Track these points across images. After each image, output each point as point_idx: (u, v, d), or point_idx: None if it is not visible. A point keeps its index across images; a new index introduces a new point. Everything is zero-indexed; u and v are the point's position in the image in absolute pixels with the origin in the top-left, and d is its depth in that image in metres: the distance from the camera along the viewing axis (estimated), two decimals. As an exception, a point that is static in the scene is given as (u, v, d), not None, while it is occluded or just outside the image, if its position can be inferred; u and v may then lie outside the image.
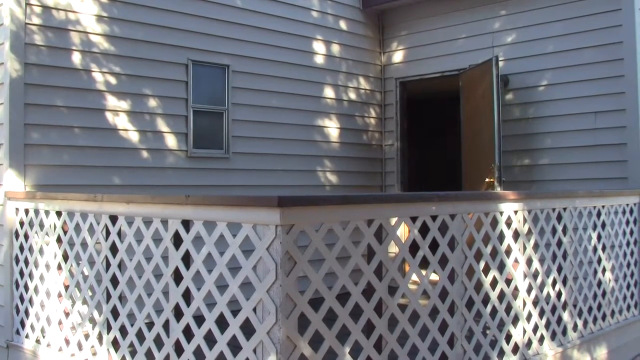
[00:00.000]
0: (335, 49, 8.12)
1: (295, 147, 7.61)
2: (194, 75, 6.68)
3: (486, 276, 4.29)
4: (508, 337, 4.48)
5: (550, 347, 4.82)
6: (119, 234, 4.17)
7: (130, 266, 4.00)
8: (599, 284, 5.53)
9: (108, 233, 4.22)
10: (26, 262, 5.09)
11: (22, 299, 5.13)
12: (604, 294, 5.56)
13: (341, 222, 3.38)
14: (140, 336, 3.96)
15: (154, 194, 4.20)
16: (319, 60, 7.92)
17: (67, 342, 4.64)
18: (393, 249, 3.91)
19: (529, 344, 4.65)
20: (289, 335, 3.06)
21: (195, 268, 3.53)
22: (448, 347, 3.95)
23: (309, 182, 7.73)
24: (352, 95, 8.31)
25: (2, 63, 5.49)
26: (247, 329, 3.19)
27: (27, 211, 5.11)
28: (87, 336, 4.46)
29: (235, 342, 3.27)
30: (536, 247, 4.82)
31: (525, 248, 4.66)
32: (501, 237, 4.48)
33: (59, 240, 4.75)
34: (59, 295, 4.74)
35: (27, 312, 5.07)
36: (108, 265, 4.22)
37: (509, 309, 4.49)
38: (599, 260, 5.55)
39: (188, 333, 3.57)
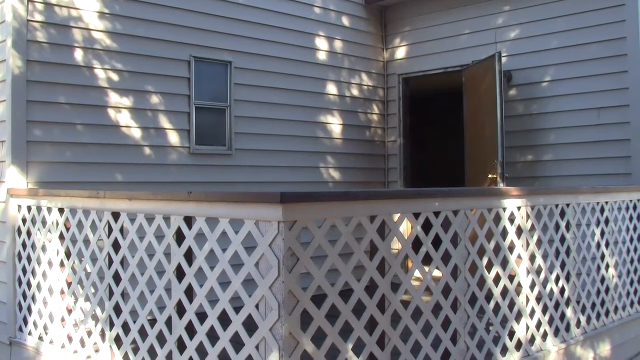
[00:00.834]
0: (338, 45, 8.10)
1: (297, 143, 7.60)
2: (196, 72, 6.68)
3: (489, 272, 4.28)
4: (511, 334, 4.47)
5: (554, 343, 4.81)
6: (122, 230, 4.16)
7: (132, 263, 4.00)
8: (603, 280, 5.52)
9: (110, 230, 4.22)
10: (29, 259, 5.09)
11: (24, 296, 5.13)
12: (607, 290, 5.54)
13: (344, 218, 3.38)
14: (142, 333, 3.96)
15: (157, 191, 4.20)
16: (322, 56, 7.91)
17: (70, 339, 4.64)
18: (396, 245, 3.90)
19: (532, 340, 4.64)
20: (292, 331, 3.05)
21: (197, 265, 3.52)
22: (451, 344, 3.94)
23: (311, 179, 7.72)
24: (355, 92, 8.30)
25: (4, 60, 5.48)
26: (250, 325, 3.19)
27: (29, 208, 5.11)
28: (89, 333, 4.46)
29: (237, 338, 3.27)
30: (539, 243, 4.80)
31: (528, 244, 4.65)
32: (504, 233, 4.46)
33: (61, 237, 4.75)
34: (62, 292, 4.74)
35: (29, 309, 5.07)
36: (110, 262, 4.21)
37: (512, 305, 4.48)
38: (603, 257, 5.53)
39: (190, 330, 3.57)
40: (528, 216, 4.68)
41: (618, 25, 6.60)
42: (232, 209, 3.37)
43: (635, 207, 6.07)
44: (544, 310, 4.77)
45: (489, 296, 4.27)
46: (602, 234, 5.55)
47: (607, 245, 5.58)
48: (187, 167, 6.59)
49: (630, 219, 5.98)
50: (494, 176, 6.87)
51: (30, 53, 5.55)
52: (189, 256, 3.62)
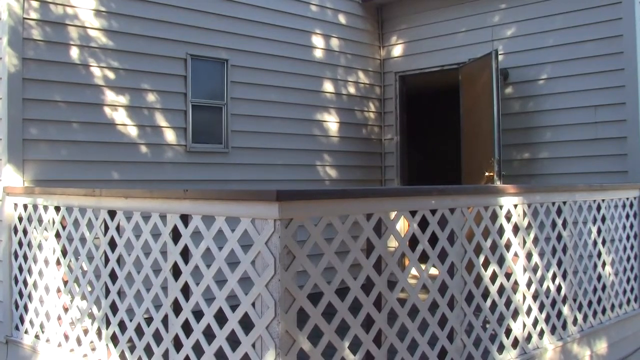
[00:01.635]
0: (335, 42, 8.09)
1: (294, 141, 7.60)
2: (192, 70, 6.67)
3: (486, 270, 4.28)
4: (508, 331, 4.47)
5: (550, 341, 4.82)
6: (118, 228, 4.16)
7: (129, 261, 3.99)
8: (599, 277, 5.52)
9: (107, 228, 4.21)
10: (25, 258, 5.08)
11: (21, 294, 5.12)
12: (603, 287, 5.55)
13: (340, 216, 3.37)
14: (139, 331, 3.95)
15: (153, 189, 4.19)
16: (318, 54, 7.90)
17: (66, 337, 4.63)
18: (392, 243, 3.90)
19: (528, 338, 4.65)
20: (288, 329, 3.05)
21: (194, 263, 3.52)
22: (448, 342, 3.94)
23: (308, 177, 7.71)
24: (352, 90, 8.29)
25: (0, 58, 5.47)
26: (246, 323, 3.19)
27: (25, 206, 5.10)
28: (86, 331, 4.45)
29: (234, 336, 3.27)
30: (536, 241, 4.81)
31: (525, 242, 4.65)
32: (501, 231, 4.47)
33: (57, 235, 4.74)
34: (58, 290, 4.74)
35: (26, 308, 5.06)
36: (107, 260, 4.21)
37: (508, 303, 4.48)
38: (599, 254, 5.54)
39: (187, 328, 3.56)
40: (525, 214, 4.68)
41: (614, 23, 6.60)
42: (228, 206, 3.36)
43: (631, 205, 6.08)
44: (541, 308, 4.77)
45: (485, 294, 4.27)
46: (599, 231, 5.55)
47: (603, 243, 5.59)
48: (184, 165, 6.58)
49: (627, 216, 5.99)
50: (491, 174, 6.88)
51: (26, 51, 5.54)
52: (185, 254, 3.62)
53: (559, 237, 5.04)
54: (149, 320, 3.87)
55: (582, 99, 6.85)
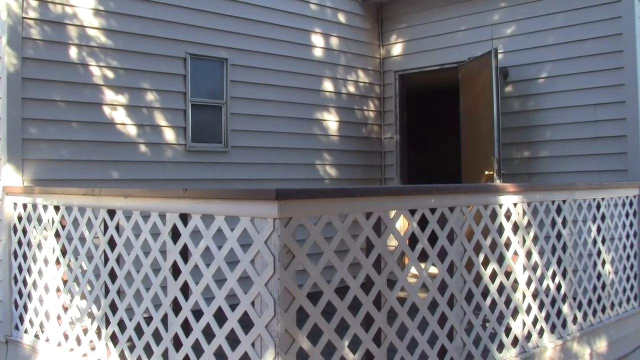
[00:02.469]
0: (334, 41, 8.09)
1: (294, 140, 7.59)
2: (192, 69, 6.66)
3: (485, 269, 4.28)
4: (507, 330, 4.47)
5: (550, 339, 4.82)
6: (117, 228, 4.16)
7: (128, 260, 3.99)
8: (599, 276, 5.52)
9: (106, 227, 4.21)
10: (24, 257, 5.08)
11: (20, 294, 5.12)
12: (603, 286, 5.55)
13: (340, 215, 3.37)
14: (138, 331, 3.95)
15: (152, 188, 4.19)
16: (318, 53, 7.89)
17: (66, 337, 4.63)
18: (392, 242, 3.89)
19: (528, 336, 4.65)
20: (288, 329, 3.05)
21: (193, 262, 3.51)
22: (447, 340, 3.94)
23: (308, 176, 7.71)
24: (351, 89, 8.29)
25: (0, 57, 5.46)
26: (246, 322, 3.19)
27: (25, 206, 5.09)
28: (85, 331, 4.45)
29: (233, 336, 3.26)
30: (535, 239, 4.81)
31: (524, 240, 4.65)
32: (500, 230, 4.47)
33: (57, 234, 4.74)
34: (58, 290, 4.74)
35: (25, 307, 5.06)
36: (106, 259, 4.21)
37: (508, 301, 4.48)
38: (599, 253, 5.54)
39: (186, 327, 3.56)
40: (524, 213, 4.68)
41: (614, 21, 6.60)
42: (227, 206, 3.36)
43: (631, 204, 6.07)
44: (541, 306, 4.77)
45: (485, 293, 4.27)
46: (599, 230, 5.55)
47: (603, 241, 5.59)
48: (183, 164, 6.58)
49: (626, 215, 5.99)
50: (491, 173, 6.87)
51: (25, 50, 5.53)
52: (185, 253, 3.62)
53: (559, 236, 5.04)
54: (148, 320, 3.87)
55: (581, 97, 6.84)
